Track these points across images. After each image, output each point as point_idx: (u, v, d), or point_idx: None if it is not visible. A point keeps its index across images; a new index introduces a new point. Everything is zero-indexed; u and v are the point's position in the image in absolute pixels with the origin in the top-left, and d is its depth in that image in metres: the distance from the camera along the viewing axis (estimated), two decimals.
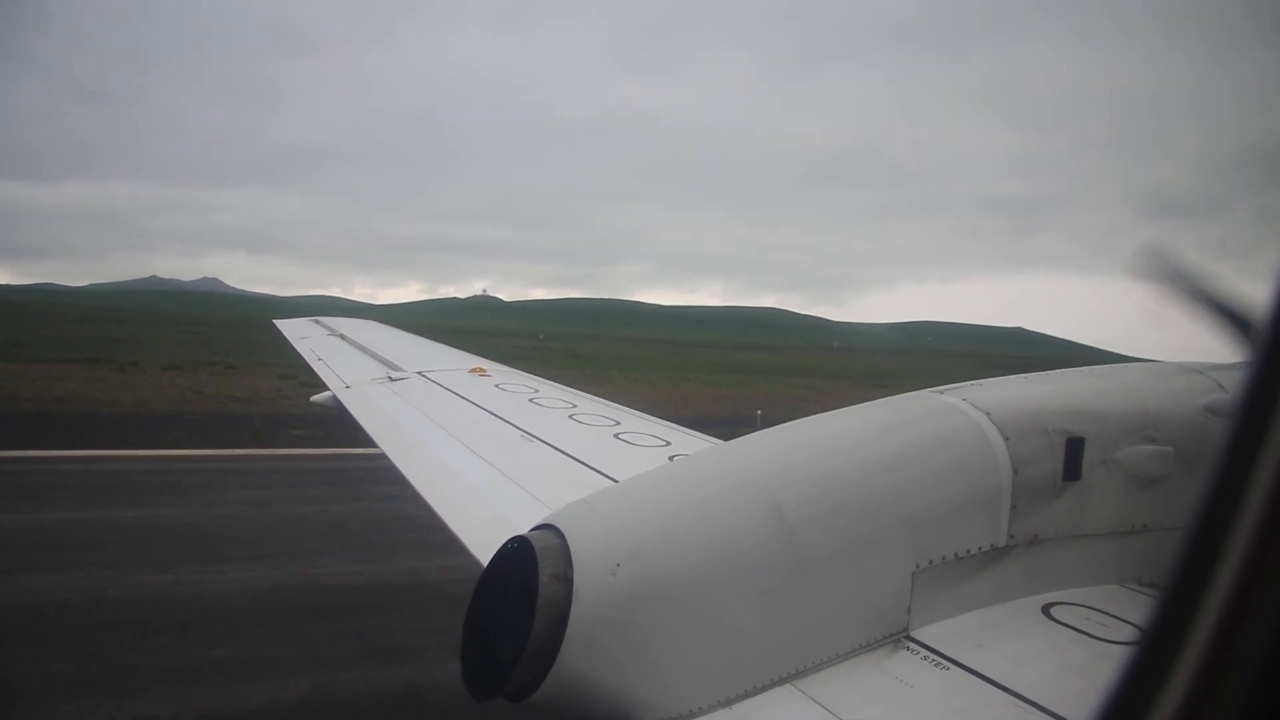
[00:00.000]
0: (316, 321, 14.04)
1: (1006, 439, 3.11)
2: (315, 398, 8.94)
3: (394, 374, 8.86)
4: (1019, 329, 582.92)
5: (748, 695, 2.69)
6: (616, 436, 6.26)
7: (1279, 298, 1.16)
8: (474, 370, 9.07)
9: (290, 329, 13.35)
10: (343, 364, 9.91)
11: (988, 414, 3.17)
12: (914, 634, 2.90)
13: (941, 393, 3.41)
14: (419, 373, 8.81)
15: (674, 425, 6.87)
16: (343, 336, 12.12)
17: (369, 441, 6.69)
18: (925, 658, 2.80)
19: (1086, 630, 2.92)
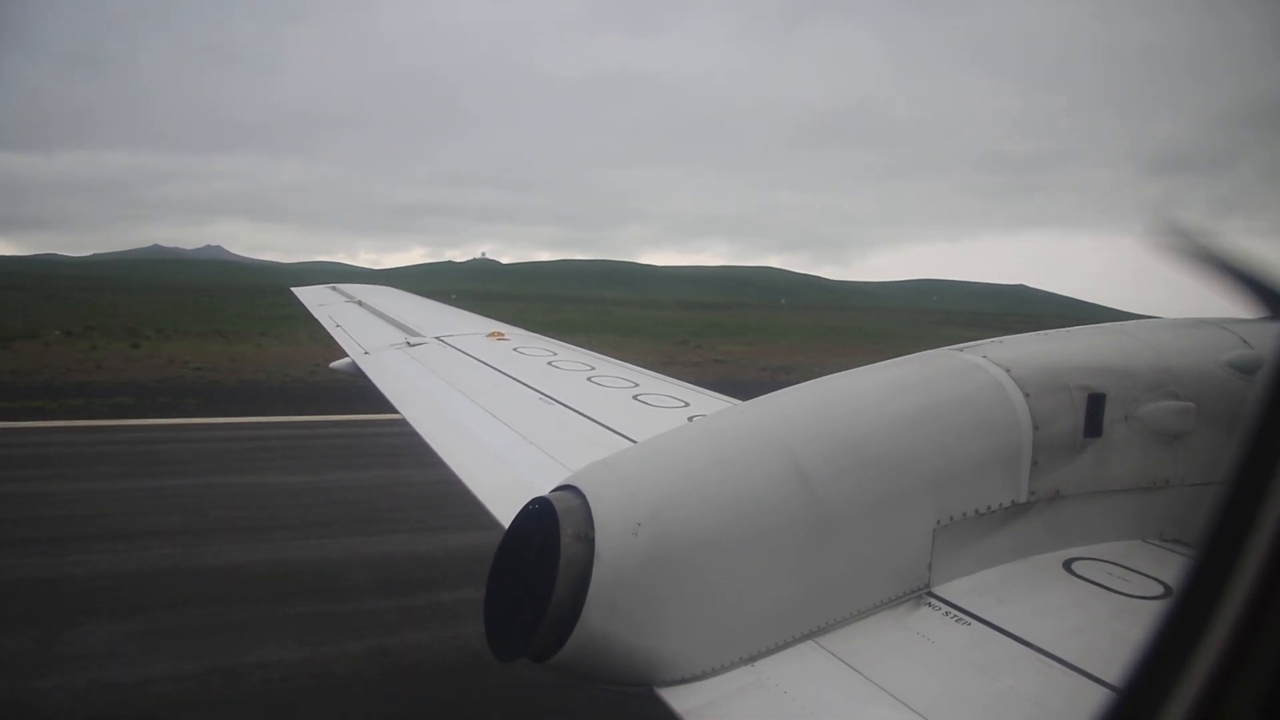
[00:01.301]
0: (334, 289, 14.07)
1: (1027, 395, 3.11)
2: (334, 364, 8.94)
3: (412, 339, 8.87)
4: (1021, 286, 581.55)
5: (770, 653, 2.71)
6: (635, 398, 6.28)
7: None
8: (492, 334, 9.08)
9: (308, 296, 13.38)
10: (361, 330, 9.92)
11: (1008, 370, 3.17)
12: (936, 590, 2.92)
13: (962, 350, 3.41)
14: (437, 338, 8.82)
15: (693, 386, 6.87)
16: (360, 303, 12.13)
17: (389, 407, 6.73)
18: (947, 613, 2.82)
19: (1108, 585, 2.93)
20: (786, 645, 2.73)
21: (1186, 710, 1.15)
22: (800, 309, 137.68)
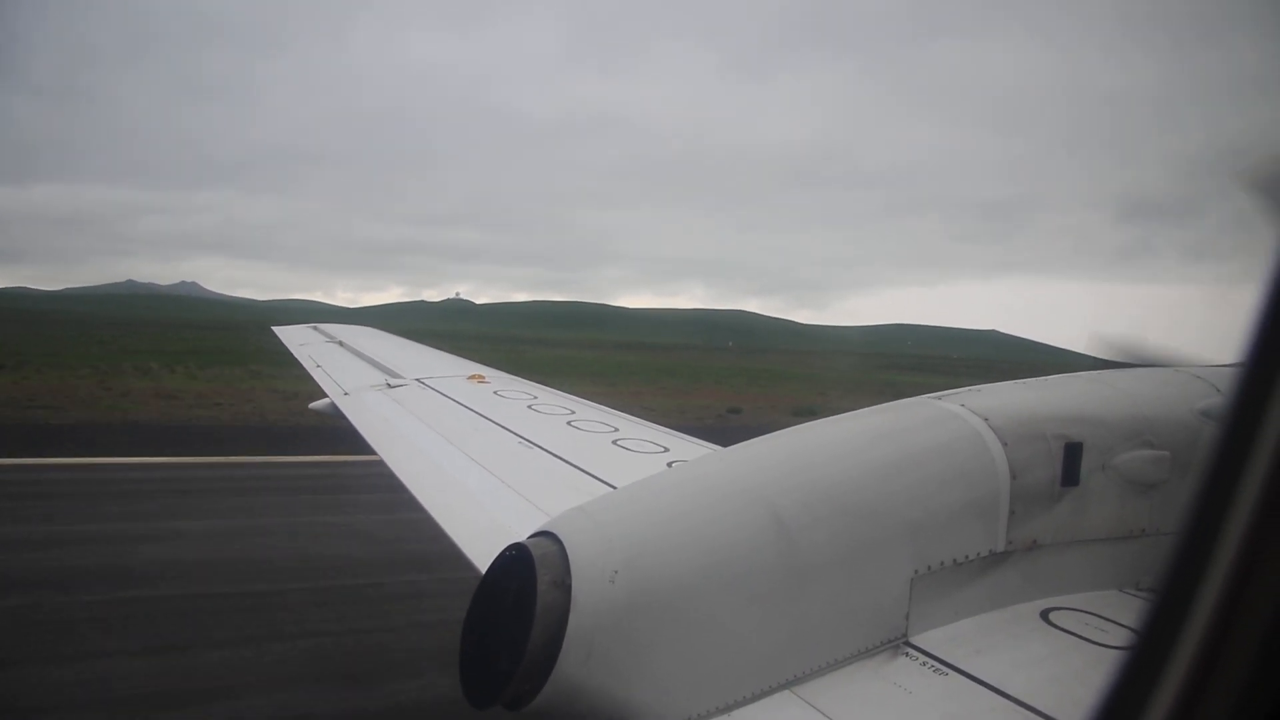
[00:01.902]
0: (315, 328, 14.16)
1: (1005, 444, 3.12)
2: (314, 404, 8.92)
3: (393, 381, 8.90)
4: (993, 331, 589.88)
5: (747, 702, 2.70)
6: (615, 443, 6.27)
7: (1266, 303, 1.17)
8: (473, 377, 9.11)
9: (289, 335, 13.45)
10: (341, 371, 9.95)
11: (986, 419, 3.18)
12: (913, 640, 2.91)
13: (940, 398, 3.42)
14: (417, 379, 8.85)
15: (672, 431, 6.90)
16: (341, 343, 12.16)
17: (369, 449, 6.70)
18: (924, 663, 2.81)
19: (1085, 635, 2.93)
20: (763, 694, 2.71)
21: None
22: (747, 353, 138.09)
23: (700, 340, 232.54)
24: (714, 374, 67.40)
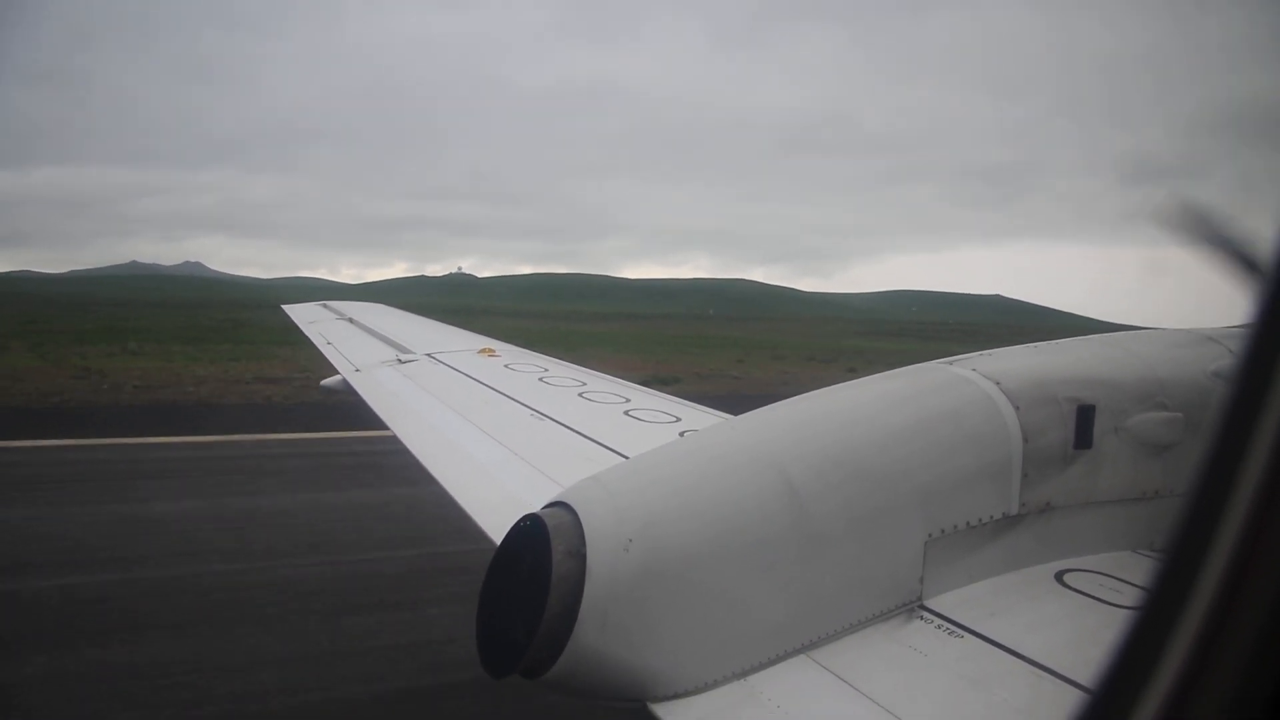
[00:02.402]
0: (325, 306, 14.20)
1: (1017, 408, 3.13)
2: (325, 381, 8.97)
3: (403, 356, 8.93)
4: (996, 296, 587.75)
5: (763, 667, 2.72)
6: (626, 413, 6.29)
7: (1276, 265, 1.17)
8: (483, 351, 9.14)
9: (299, 314, 13.49)
10: (352, 347, 9.97)
11: (998, 383, 3.19)
12: (927, 603, 2.93)
13: (951, 363, 3.44)
14: (428, 354, 8.88)
15: (684, 401, 6.93)
16: (351, 320, 12.20)
17: (381, 424, 6.74)
18: (939, 626, 2.83)
19: (1100, 596, 2.95)
20: (779, 659, 2.74)
21: (1155, 711, 1.18)
22: (735, 321, 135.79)
23: (692, 309, 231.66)
24: (675, 343, 65.92)
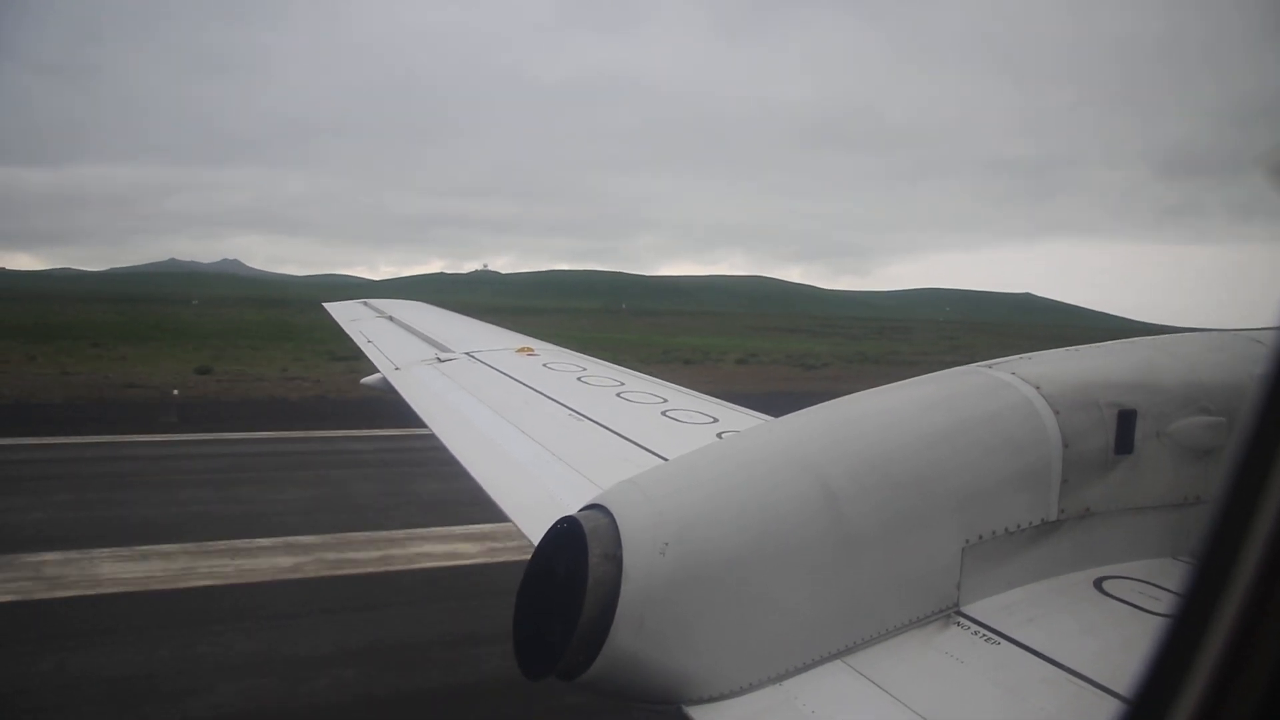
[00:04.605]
0: (365, 304, 14.30)
1: (1057, 413, 3.10)
2: (365, 379, 9.07)
3: (443, 355, 9.00)
4: (1027, 295, 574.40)
5: (798, 672, 2.72)
6: (664, 414, 6.29)
7: None
8: (521, 350, 9.16)
9: (339, 312, 13.61)
10: (392, 346, 10.08)
11: (1037, 388, 3.16)
12: (964, 609, 2.91)
13: (990, 367, 3.40)
14: (467, 353, 8.93)
15: (722, 402, 6.89)
16: (391, 318, 12.27)
17: (420, 422, 6.86)
18: (976, 633, 2.81)
19: (1139, 604, 2.91)
20: (814, 665, 2.73)
21: (1190, 715, 1.18)
22: (638, 315, 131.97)
23: (703, 306, 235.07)
24: (565, 337, 61.48)
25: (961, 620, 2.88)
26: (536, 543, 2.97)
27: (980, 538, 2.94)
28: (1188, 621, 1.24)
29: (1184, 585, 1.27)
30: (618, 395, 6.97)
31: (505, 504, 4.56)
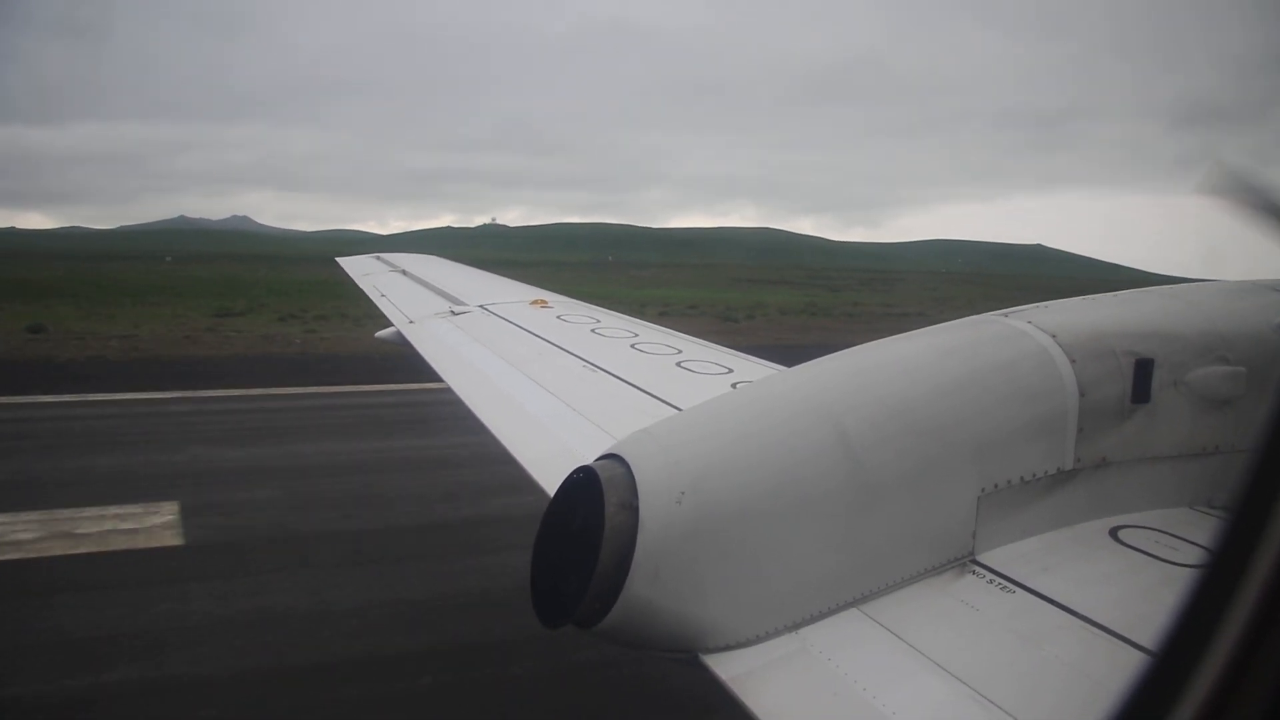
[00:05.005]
0: (378, 258, 14.23)
1: (1073, 361, 3.09)
2: (380, 333, 9.05)
3: (456, 308, 8.98)
4: (1038, 245, 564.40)
5: (814, 620, 2.73)
6: (679, 365, 6.28)
7: None
8: (535, 302, 9.16)
9: (352, 266, 13.55)
10: (405, 299, 10.07)
11: (1053, 336, 3.15)
12: (980, 558, 2.92)
13: (1007, 315, 3.39)
14: (481, 306, 8.91)
15: (736, 352, 6.87)
16: (405, 272, 12.24)
17: (434, 375, 6.87)
18: (991, 581, 2.82)
19: (1155, 553, 2.91)
20: (830, 613, 2.75)
21: (1218, 672, 1.17)
22: (634, 268, 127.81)
23: (706, 258, 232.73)
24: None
25: (977, 569, 2.89)
26: (552, 494, 3.00)
27: (996, 486, 2.96)
28: (1221, 572, 1.23)
29: (1215, 535, 1.26)
30: (632, 346, 6.95)
31: (521, 456, 4.57)
